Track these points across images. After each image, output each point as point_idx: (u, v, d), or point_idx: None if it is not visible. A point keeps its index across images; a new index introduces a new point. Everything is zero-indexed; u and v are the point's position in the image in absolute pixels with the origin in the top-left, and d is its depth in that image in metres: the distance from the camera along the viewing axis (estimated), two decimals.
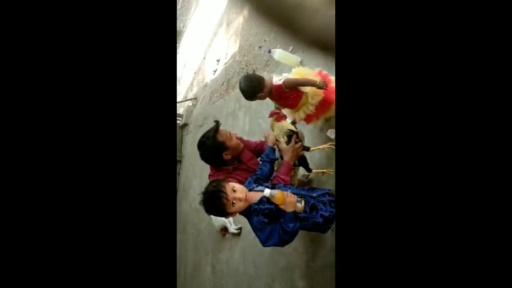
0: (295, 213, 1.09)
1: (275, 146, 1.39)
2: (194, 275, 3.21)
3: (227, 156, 1.35)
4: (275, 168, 1.38)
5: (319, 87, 1.48)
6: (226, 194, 1.06)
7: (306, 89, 1.53)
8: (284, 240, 1.09)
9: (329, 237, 1.61)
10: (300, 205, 1.09)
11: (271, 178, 1.32)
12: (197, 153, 1.42)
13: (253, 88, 1.48)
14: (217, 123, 1.37)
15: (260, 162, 1.37)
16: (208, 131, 1.36)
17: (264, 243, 1.11)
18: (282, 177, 1.28)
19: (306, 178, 1.86)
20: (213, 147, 1.32)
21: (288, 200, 1.07)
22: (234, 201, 1.07)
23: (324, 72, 1.62)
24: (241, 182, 1.32)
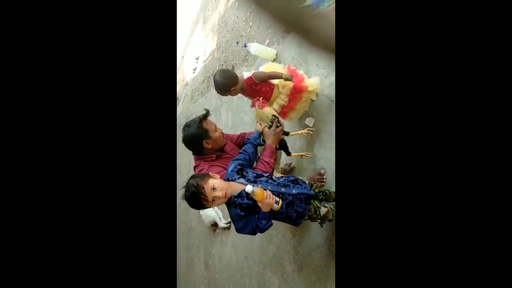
0: (269, 213, 1.15)
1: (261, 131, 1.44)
2: (188, 273, 3.23)
3: (207, 145, 1.38)
4: (259, 154, 1.43)
5: (286, 79, 1.55)
6: (206, 195, 1.11)
7: (275, 81, 1.60)
8: (256, 232, 1.18)
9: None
10: (277, 206, 1.14)
11: (255, 163, 1.36)
12: (183, 153, 1.43)
13: (228, 81, 1.54)
14: (207, 111, 1.41)
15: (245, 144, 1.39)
16: (196, 117, 1.40)
17: (238, 231, 1.19)
18: (266, 159, 1.34)
19: (289, 166, 1.92)
20: (196, 132, 1.34)
21: (267, 201, 1.11)
22: (214, 199, 1.12)
23: (293, 67, 1.70)
24: (225, 169, 1.36)
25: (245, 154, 1.31)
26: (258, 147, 1.40)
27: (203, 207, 1.16)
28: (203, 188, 1.11)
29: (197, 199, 1.12)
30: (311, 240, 1.69)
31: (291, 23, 0.57)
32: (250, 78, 1.57)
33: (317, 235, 1.66)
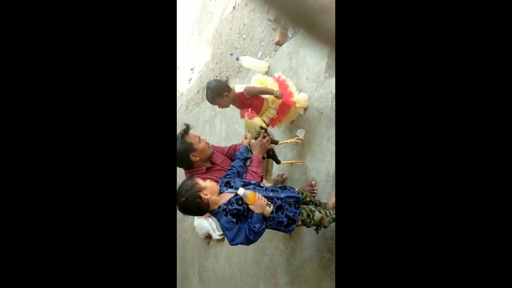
0: (262, 214, 1.16)
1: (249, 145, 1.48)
2: (183, 285, 3.18)
3: (194, 158, 1.39)
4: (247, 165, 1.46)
5: (276, 97, 1.60)
6: (201, 185, 1.17)
7: (266, 95, 1.64)
8: (249, 239, 1.15)
9: (306, 232, 1.68)
10: (269, 209, 1.17)
11: (244, 174, 1.38)
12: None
13: (222, 85, 1.57)
14: (187, 126, 1.42)
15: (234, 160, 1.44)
16: (178, 133, 1.41)
17: (231, 241, 1.16)
18: (254, 169, 1.37)
19: (281, 177, 1.93)
20: (180, 148, 1.35)
21: (259, 202, 1.13)
22: (206, 194, 1.17)
23: (282, 78, 1.73)
24: (216, 181, 1.38)
25: (232, 169, 1.35)
26: (247, 160, 1.42)
27: (200, 203, 1.16)
28: (197, 183, 1.17)
29: (194, 193, 1.15)
30: (303, 251, 1.69)
31: (298, 18, 0.57)
32: (241, 94, 1.60)
33: (309, 246, 1.65)
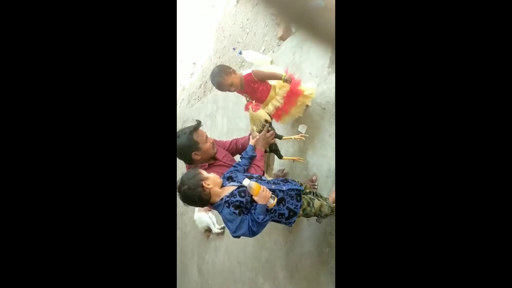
0: (266, 206, 1.16)
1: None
2: (181, 279, 3.21)
3: (196, 156, 1.38)
4: None
5: (285, 81, 1.57)
6: (204, 176, 1.18)
7: (273, 82, 1.61)
8: (252, 231, 1.15)
9: (306, 227, 1.69)
10: (273, 202, 1.18)
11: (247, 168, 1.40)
12: None
13: (226, 66, 1.55)
14: (199, 122, 1.41)
15: (239, 159, 1.45)
16: (187, 127, 1.40)
17: (234, 233, 1.17)
18: (257, 163, 1.40)
19: (282, 172, 1.93)
20: (185, 143, 1.35)
21: (263, 194, 1.14)
22: (209, 184, 1.19)
23: (290, 72, 1.71)
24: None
25: (236, 166, 1.36)
26: (253, 158, 1.43)
27: (202, 192, 1.16)
28: (200, 173, 1.18)
29: (196, 181, 1.15)
30: (302, 246, 1.70)
31: (296, 17, 0.57)
32: (249, 75, 1.57)
33: (308, 241, 1.66)
